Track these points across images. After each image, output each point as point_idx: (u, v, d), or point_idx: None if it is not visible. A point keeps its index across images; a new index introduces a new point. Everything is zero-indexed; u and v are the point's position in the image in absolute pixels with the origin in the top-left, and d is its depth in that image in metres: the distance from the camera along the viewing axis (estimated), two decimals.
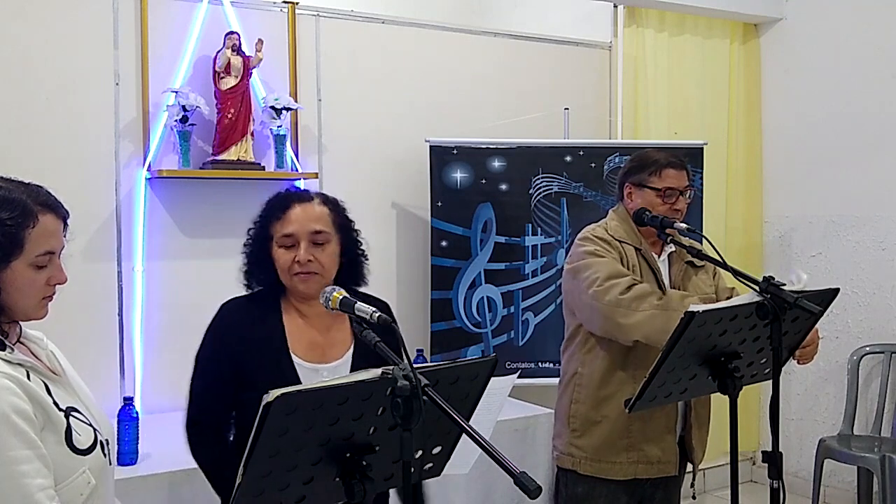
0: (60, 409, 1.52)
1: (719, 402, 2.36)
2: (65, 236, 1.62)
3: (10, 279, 1.51)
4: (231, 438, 2.12)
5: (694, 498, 2.83)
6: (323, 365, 2.06)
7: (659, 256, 2.64)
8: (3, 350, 1.51)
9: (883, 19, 4.40)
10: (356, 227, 2.16)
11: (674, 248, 2.65)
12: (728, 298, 2.66)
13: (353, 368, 2.05)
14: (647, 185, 2.60)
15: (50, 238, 1.55)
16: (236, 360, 2.03)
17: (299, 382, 1.97)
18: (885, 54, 4.38)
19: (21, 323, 1.62)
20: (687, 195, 2.62)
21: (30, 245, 1.51)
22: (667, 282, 2.61)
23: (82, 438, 1.54)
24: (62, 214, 1.59)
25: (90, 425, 1.58)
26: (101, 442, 1.58)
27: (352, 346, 2.10)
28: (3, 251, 1.49)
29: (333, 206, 2.11)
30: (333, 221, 2.08)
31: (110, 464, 1.65)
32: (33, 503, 1.41)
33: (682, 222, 2.48)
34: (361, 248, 2.16)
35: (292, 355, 2.04)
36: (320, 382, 1.51)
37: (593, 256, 2.54)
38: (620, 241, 2.59)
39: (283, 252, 2.04)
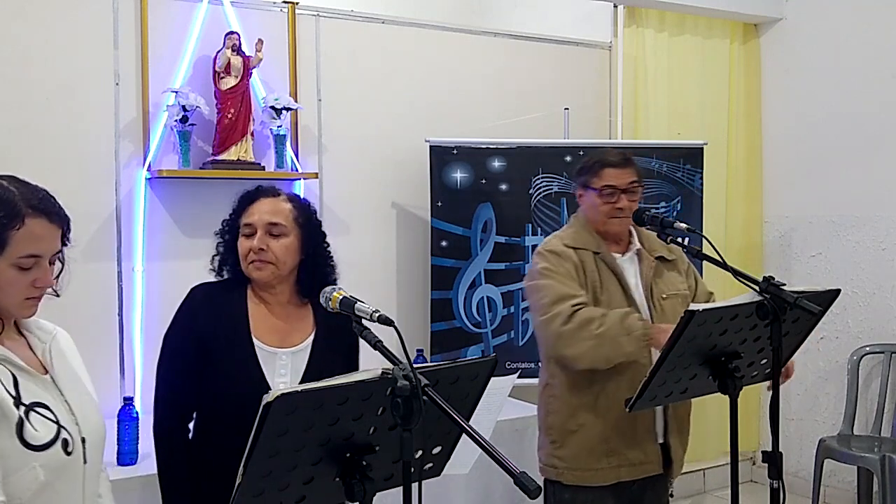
0: (21, 403, 1.52)
1: (719, 402, 2.36)
2: (65, 243, 1.62)
3: None
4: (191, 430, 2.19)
5: (672, 496, 2.82)
6: (283, 349, 2.13)
7: (624, 254, 2.64)
8: None
9: (883, 19, 4.40)
10: (321, 230, 2.24)
11: (639, 246, 2.65)
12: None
13: (313, 354, 2.14)
14: (589, 186, 2.61)
15: (36, 242, 1.55)
16: (201, 339, 2.11)
17: (258, 364, 2.08)
18: (885, 54, 4.38)
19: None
20: (632, 192, 2.59)
21: (12, 246, 1.52)
22: (633, 280, 2.61)
23: (39, 434, 1.52)
24: (58, 220, 1.59)
25: (56, 423, 1.56)
26: (66, 440, 1.56)
27: (313, 333, 2.17)
28: None
29: (298, 204, 2.21)
30: (295, 218, 2.17)
31: (85, 462, 1.63)
32: None
33: (681, 222, 2.48)
34: (326, 249, 2.23)
35: (253, 338, 2.11)
36: (320, 383, 1.51)
37: (543, 278, 2.54)
38: (576, 249, 2.58)
39: (243, 240, 2.16)
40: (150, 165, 3.52)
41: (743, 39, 4.99)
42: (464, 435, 1.53)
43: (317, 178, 3.88)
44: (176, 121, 3.49)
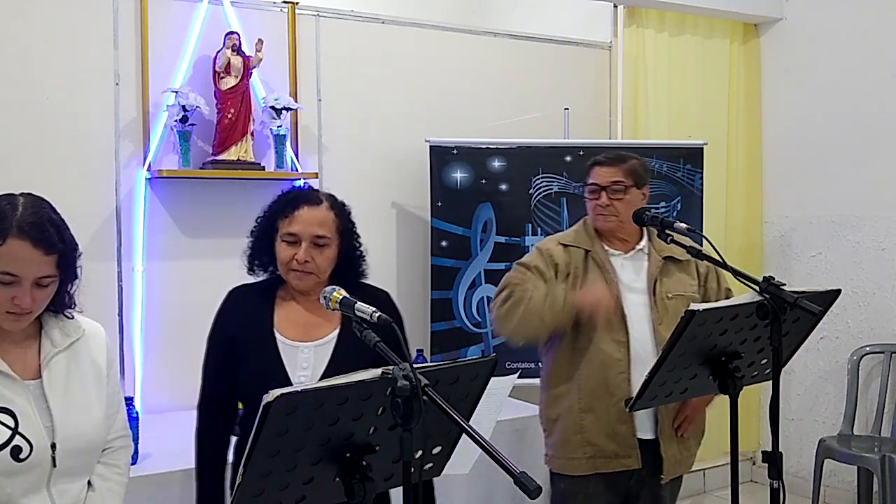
0: None
1: (719, 402, 2.36)
2: (63, 272, 1.68)
3: None
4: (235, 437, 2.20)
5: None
6: (305, 343, 2.13)
7: (627, 252, 2.67)
8: None
9: (883, 19, 4.40)
10: (356, 230, 2.24)
11: (643, 247, 2.69)
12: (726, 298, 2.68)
13: (337, 349, 2.13)
14: (584, 184, 2.72)
15: (13, 262, 1.62)
16: (231, 339, 2.15)
17: (279, 358, 2.09)
18: (885, 54, 4.38)
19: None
20: (614, 191, 2.63)
21: None
22: (629, 277, 2.64)
23: None
24: (44, 247, 1.64)
25: (11, 429, 1.66)
26: (18, 446, 1.65)
27: (339, 328, 2.16)
28: None
29: (339, 210, 2.20)
30: (336, 227, 2.16)
31: (55, 465, 1.71)
32: None
33: (681, 222, 2.48)
34: (360, 249, 2.25)
35: (276, 332, 2.13)
36: (320, 383, 1.51)
37: (511, 271, 2.68)
38: (569, 247, 2.66)
39: (284, 247, 2.13)
40: (150, 165, 3.52)
41: (743, 39, 4.99)
42: (464, 435, 1.53)
43: (317, 178, 3.88)
44: (176, 121, 3.49)
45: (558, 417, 2.65)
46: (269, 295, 2.18)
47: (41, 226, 1.65)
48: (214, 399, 2.18)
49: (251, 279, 2.25)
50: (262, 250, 2.19)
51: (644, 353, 2.58)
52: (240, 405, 2.20)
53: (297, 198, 2.18)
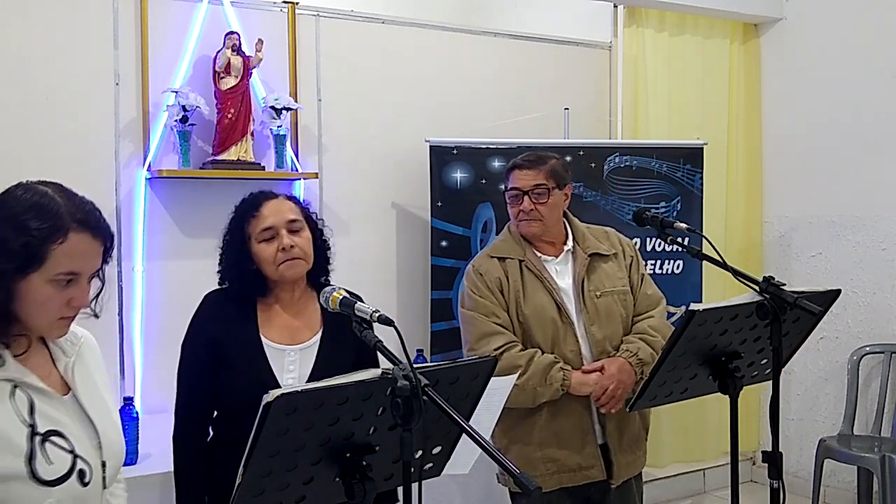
0: (37, 433, 1.44)
1: (719, 402, 2.35)
2: (106, 260, 1.53)
3: (25, 291, 1.43)
4: (210, 434, 2.22)
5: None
6: (291, 346, 2.16)
7: (557, 256, 2.64)
8: None
9: (883, 19, 4.40)
10: (319, 218, 2.31)
11: (570, 247, 2.65)
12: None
13: (320, 352, 2.17)
14: (504, 190, 2.65)
15: (77, 259, 1.46)
16: (214, 341, 2.15)
17: (267, 362, 2.12)
18: (885, 54, 4.38)
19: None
20: (537, 195, 2.57)
21: (51, 261, 1.43)
22: (565, 281, 2.60)
23: (52, 468, 1.44)
24: (101, 236, 1.50)
25: (71, 452, 1.49)
26: (82, 470, 1.49)
27: (321, 330, 2.20)
28: (23, 261, 1.42)
29: (297, 201, 2.26)
30: (302, 212, 2.23)
31: (105, 487, 1.57)
32: None
33: (681, 222, 2.48)
34: (325, 237, 2.29)
35: (262, 337, 2.15)
36: (320, 382, 1.50)
37: (469, 307, 2.59)
38: (501, 259, 2.61)
39: (264, 246, 2.16)
40: (150, 165, 3.52)
41: (743, 39, 4.99)
42: (464, 435, 1.53)
43: (317, 178, 3.88)
44: (176, 121, 3.49)
45: (516, 436, 2.58)
46: (248, 300, 2.19)
47: (93, 212, 1.50)
48: (192, 404, 2.18)
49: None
50: (237, 263, 2.19)
51: (587, 357, 2.57)
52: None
53: (257, 197, 2.23)
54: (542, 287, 2.57)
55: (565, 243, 2.66)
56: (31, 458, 1.42)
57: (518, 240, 2.64)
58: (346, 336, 2.13)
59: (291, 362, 2.13)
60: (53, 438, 1.47)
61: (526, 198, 2.58)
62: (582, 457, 2.56)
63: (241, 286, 2.19)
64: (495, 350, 2.49)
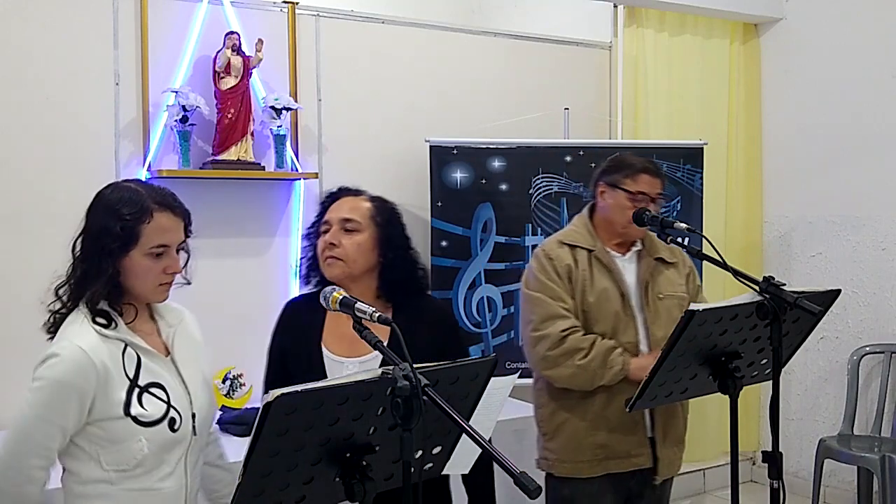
0: (137, 385, 1.76)
1: (719, 402, 2.35)
2: (188, 234, 1.88)
3: (128, 266, 1.78)
4: None
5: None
6: (350, 359, 2.10)
7: (625, 255, 2.67)
8: (109, 327, 1.76)
9: (883, 19, 4.40)
10: (406, 234, 2.22)
11: (641, 247, 2.68)
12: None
13: (385, 364, 2.06)
14: (619, 187, 2.63)
15: (164, 233, 1.80)
16: (283, 352, 2.18)
17: (324, 373, 2.08)
18: (885, 54, 4.38)
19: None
20: (658, 203, 2.64)
21: (144, 238, 1.77)
22: (631, 279, 2.63)
23: (148, 412, 1.76)
24: (180, 213, 1.85)
25: (167, 402, 1.80)
26: (173, 418, 1.79)
27: (385, 343, 2.10)
28: (123, 242, 1.76)
29: (379, 204, 2.21)
30: (372, 216, 2.16)
31: (195, 434, 1.86)
32: (27, 464, 1.71)
33: (681, 222, 2.48)
34: (410, 252, 2.20)
35: (323, 347, 2.12)
36: (320, 383, 1.51)
37: (535, 289, 2.60)
38: (572, 246, 2.63)
39: (322, 239, 2.15)
40: (150, 165, 3.52)
41: (743, 39, 4.99)
42: (464, 435, 1.52)
43: (317, 178, 3.88)
44: (176, 121, 3.49)
45: (566, 420, 2.61)
46: (319, 305, 2.09)
47: (170, 196, 1.84)
48: None
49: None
50: (312, 257, 2.18)
51: (644, 353, 2.59)
52: None
53: (339, 191, 2.23)
54: (609, 278, 2.60)
55: (634, 244, 2.69)
56: (127, 406, 1.74)
57: (591, 231, 2.67)
58: (414, 348, 1.94)
59: (349, 376, 2.06)
60: (153, 390, 1.79)
61: (652, 204, 2.60)
62: (631, 444, 2.58)
63: (318, 281, 2.16)
64: (562, 332, 2.52)
